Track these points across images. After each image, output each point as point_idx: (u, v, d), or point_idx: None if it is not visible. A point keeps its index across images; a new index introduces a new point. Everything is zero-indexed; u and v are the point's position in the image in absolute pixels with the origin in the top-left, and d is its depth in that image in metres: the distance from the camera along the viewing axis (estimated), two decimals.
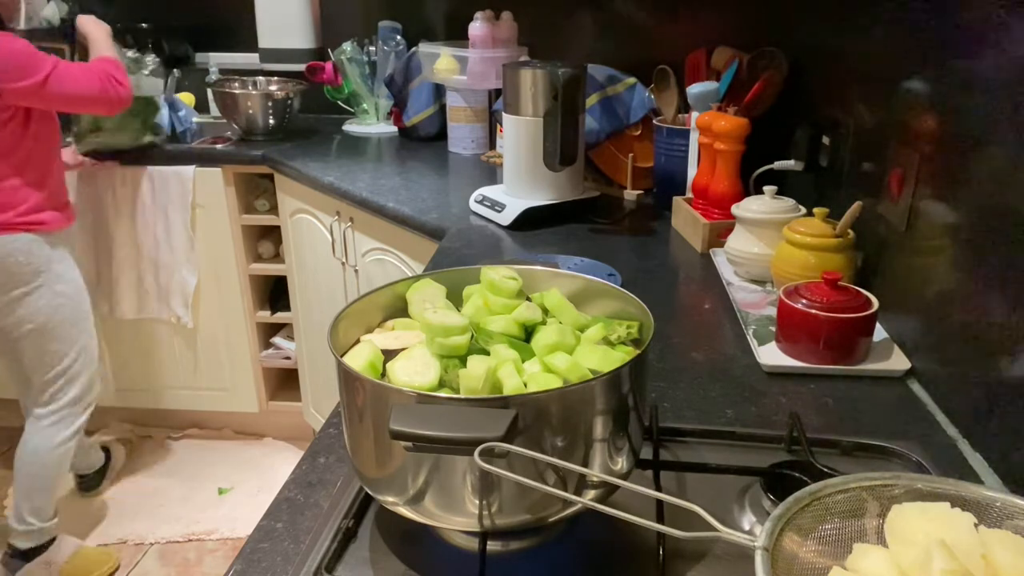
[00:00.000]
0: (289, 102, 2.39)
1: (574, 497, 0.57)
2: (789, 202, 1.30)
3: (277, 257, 2.45)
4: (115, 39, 1.99)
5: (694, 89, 1.57)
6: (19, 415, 2.70)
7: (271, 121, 2.37)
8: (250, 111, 2.35)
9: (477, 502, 0.61)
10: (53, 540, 1.96)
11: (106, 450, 2.38)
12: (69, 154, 2.13)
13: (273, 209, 2.34)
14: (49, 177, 1.82)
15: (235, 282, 2.38)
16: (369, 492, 0.70)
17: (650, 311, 0.72)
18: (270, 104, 2.36)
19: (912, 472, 0.76)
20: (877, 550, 0.53)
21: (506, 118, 1.64)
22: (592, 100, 1.76)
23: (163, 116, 2.37)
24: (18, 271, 1.76)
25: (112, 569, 2.07)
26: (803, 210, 1.29)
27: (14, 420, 2.69)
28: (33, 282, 1.79)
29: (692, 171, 1.62)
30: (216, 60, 2.68)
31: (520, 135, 1.62)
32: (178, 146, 2.31)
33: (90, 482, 2.33)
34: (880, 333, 1.07)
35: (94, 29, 1.95)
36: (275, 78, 2.54)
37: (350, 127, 2.53)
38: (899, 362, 1.01)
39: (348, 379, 0.64)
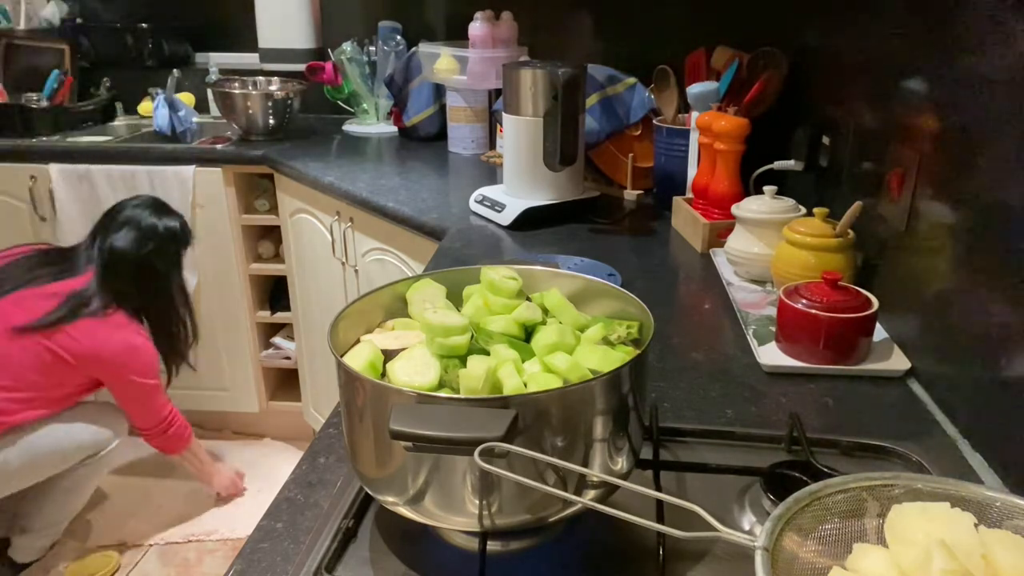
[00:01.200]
0: (289, 102, 2.39)
1: (574, 497, 0.57)
2: (789, 202, 1.30)
3: (277, 257, 2.45)
4: (116, 40, 2.00)
5: (694, 89, 1.57)
6: None
7: (271, 121, 2.37)
8: (250, 111, 2.35)
9: (477, 502, 0.61)
10: (51, 547, 2.00)
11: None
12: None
13: (273, 209, 2.34)
14: (51, 416, 1.82)
15: (235, 282, 2.38)
16: (369, 492, 0.70)
17: (650, 311, 0.72)
18: (270, 104, 2.36)
19: (912, 472, 0.76)
20: (877, 550, 0.53)
21: (506, 118, 1.64)
22: (592, 100, 1.76)
23: (163, 116, 2.37)
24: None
25: (112, 571, 2.07)
26: (803, 210, 1.29)
27: None
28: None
29: (692, 171, 1.62)
30: (216, 60, 2.68)
31: (520, 135, 1.62)
32: (178, 146, 2.31)
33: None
34: (880, 333, 1.07)
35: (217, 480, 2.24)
36: (275, 78, 2.54)
37: (350, 127, 2.53)
38: (899, 362, 1.01)
39: (348, 379, 0.64)
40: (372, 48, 2.45)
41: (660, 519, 0.69)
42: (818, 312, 0.99)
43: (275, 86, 2.51)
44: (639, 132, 1.83)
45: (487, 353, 0.69)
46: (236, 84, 2.51)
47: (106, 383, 1.86)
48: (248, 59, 2.61)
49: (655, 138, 1.75)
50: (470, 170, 2.11)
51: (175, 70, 2.61)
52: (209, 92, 2.58)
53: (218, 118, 2.63)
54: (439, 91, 2.34)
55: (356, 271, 1.99)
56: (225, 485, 2.23)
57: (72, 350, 1.76)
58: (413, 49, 2.31)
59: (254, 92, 2.46)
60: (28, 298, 1.77)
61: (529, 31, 2.24)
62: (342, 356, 0.69)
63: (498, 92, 2.13)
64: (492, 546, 0.67)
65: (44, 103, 2.49)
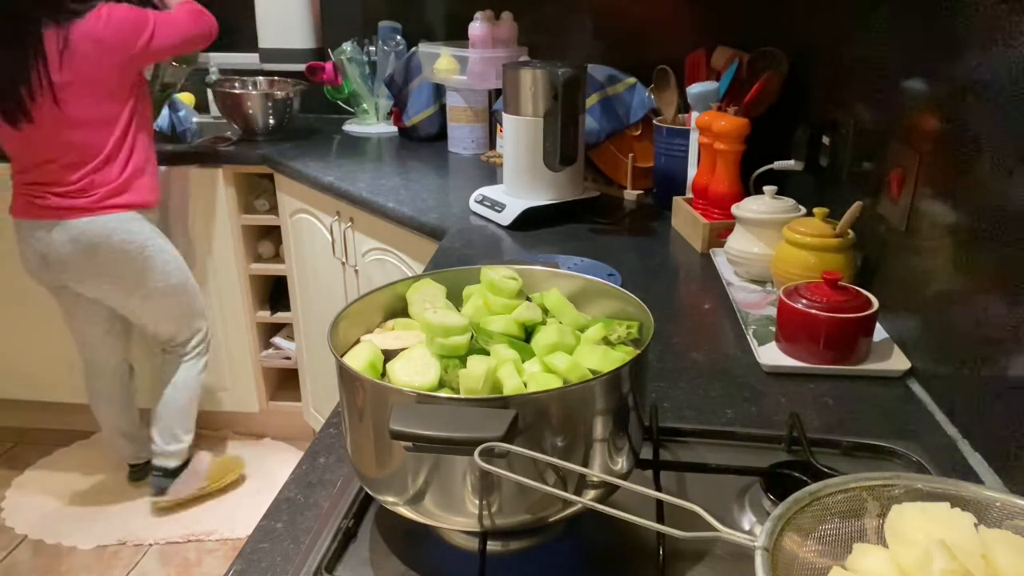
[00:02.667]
0: (289, 102, 2.39)
1: (574, 497, 0.57)
2: (789, 202, 1.30)
3: (277, 257, 2.45)
4: None
5: (694, 89, 1.57)
6: (22, 415, 2.71)
7: (271, 121, 2.37)
8: (250, 111, 2.35)
9: (477, 502, 0.61)
10: (190, 456, 2.26)
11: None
12: None
13: (273, 209, 2.34)
14: (151, 160, 1.97)
15: (235, 282, 2.38)
16: (369, 492, 0.70)
17: (650, 311, 0.72)
18: (270, 104, 2.36)
19: (912, 472, 0.76)
20: (877, 550, 0.53)
21: (506, 118, 1.64)
22: (592, 100, 1.76)
23: (163, 116, 2.37)
24: (126, 248, 1.90)
25: (241, 471, 2.40)
26: (803, 210, 1.29)
27: (14, 420, 2.70)
28: (141, 255, 1.93)
29: (692, 171, 1.62)
30: (216, 60, 2.68)
31: (520, 135, 1.62)
32: (178, 146, 2.31)
33: (141, 471, 2.36)
34: (880, 333, 1.07)
35: None
36: (275, 78, 2.54)
37: (350, 127, 2.53)
38: (899, 362, 1.01)
39: (348, 379, 0.64)
40: (372, 48, 2.45)
41: (660, 519, 0.69)
42: (818, 312, 0.99)
43: (275, 86, 2.51)
44: (639, 132, 1.83)
45: (487, 353, 0.69)
46: (236, 84, 2.51)
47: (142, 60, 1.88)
48: (248, 59, 2.61)
49: (655, 138, 1.75)
50: (470, 170, 2.11)
51: None
52: (209, 92, 2.58)
53: (218, 118, 2.63)
54: (439, 91, 2.34)
55: (356, 271, 1.99)
56: None
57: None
58: (413, 49, 2.31)
59: (254, 92, 2.46)
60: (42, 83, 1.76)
61: (529, 31, 2.24)
62: (342, 356, 0.69)
63: (498, 92, 2.13)
64: (492, 546, 0.67)
65: None
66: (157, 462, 2.21)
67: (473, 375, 0.64)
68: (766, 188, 1.32)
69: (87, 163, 1.84)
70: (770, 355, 1.04)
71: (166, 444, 2.19)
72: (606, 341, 0.73)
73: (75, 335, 2.13)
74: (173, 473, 2.22)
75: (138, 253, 1.93)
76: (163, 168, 2.24)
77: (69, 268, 1.90)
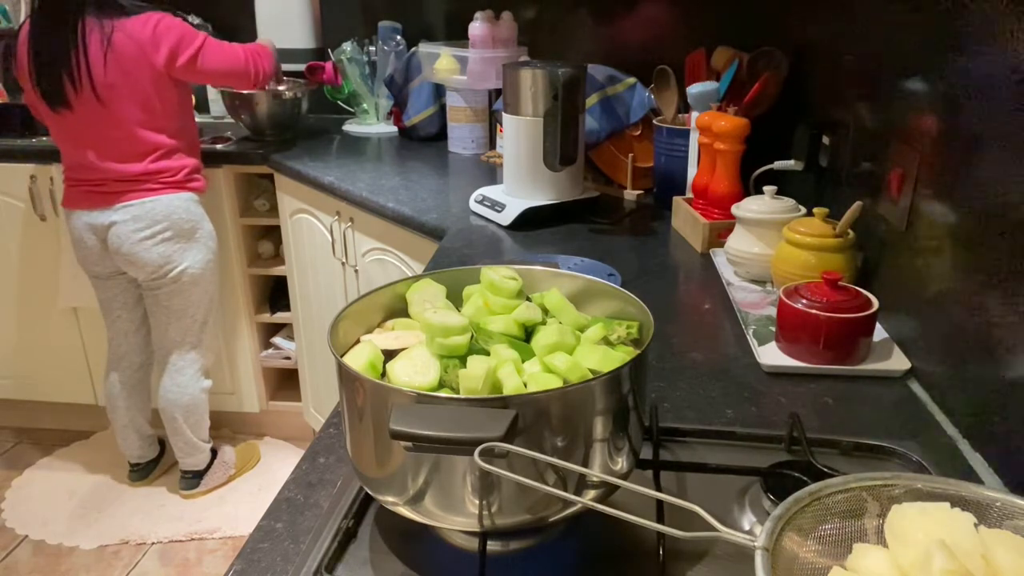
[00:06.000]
0: (298, 102, 2.39)
1: (574, 497, 0.58)
2: (789, 202, 1.30)
3: (277, 257, 2.45)
4: None
5: (694, 89, 1.57)
6: (22, 415, 2.71)
7: (280, 122, 2.37)
8: (259, 111, 2.34)
9: (477, 502, 0.61)
10: (215, 451, 2.37)
11: (161, 443, 2.44)
12: None
13: (273, 209, 2.34)
14: (196, 145, 2.07)
15: (235, 282, 2.38)
16: (369, 492, 0.70)
17: (650, 311, 0.72)
18: (278, 104, 2.36)
19: (912, 472, 0.76)
20: (877, 550, 0.53)
21: (506, 118, 1.64)
22: (592, 100, 1.76)
23: None
24: (183, 226, 1.98)
25: (259, 455, 2.54)
26: (803, 210, 1.29)
27: (15, 420, 2.70)
28: (193, 235, 2.01)
29: (692, 171, 1.62)
30: None
31: (520, 135, 1.62)
32: None
33: (142, 472, 2.40)
34: (880, 333, 1.07)
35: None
36: (284, 78, 2.53)
37: (350, 127, 2.53)
38: (899, 362, 1.01)
39: (348, 379, 0.64)
40: (372, 48, 2.45)
41: (660, 519, 0.69)
42: (818, 312, 0.99)
43: (284, 86, 2.50)
44: (639, 132, 1.83)
45: (487, 353, 0.69)
46: None
47: (183, 76, 1.91)
48: None
49: (655, 138, 1.75)
50: (470, 170, 2.11)
51: None
52: (209, 92, 2.58)
53: (218, 118, 2.63)
54: (439, 91, 2.34)
55: (356, 271, 1.99)
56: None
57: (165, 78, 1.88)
58: (413, 49, 2.31)
59: (263, 92, 2.45)
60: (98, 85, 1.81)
61: (529, 31, 2.24)
62: (342, 356, 0.69)
63: (498, 92, 2.13)
64: (492, 546, 0.67)
65: None
66: (186, 467, 2.31)
67: (473, 375, 0.64)
68: (766, 188, 1.32)
69: (145, 157, 1.91)
70: (770, 355, 1.04)
71: (189, 456, 2.28)
72: (606, 341, 0.73)
73: (110, 325, 2.17)
74: (203, 472, 2.33)
75: (191, 232, 2.01)
76: None
77: (125, 246, 1.94)
